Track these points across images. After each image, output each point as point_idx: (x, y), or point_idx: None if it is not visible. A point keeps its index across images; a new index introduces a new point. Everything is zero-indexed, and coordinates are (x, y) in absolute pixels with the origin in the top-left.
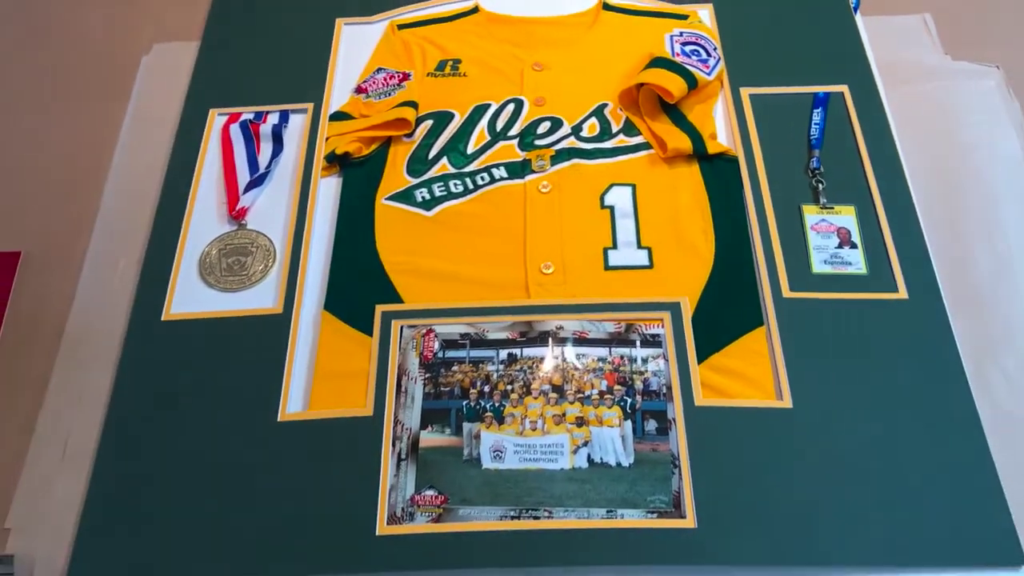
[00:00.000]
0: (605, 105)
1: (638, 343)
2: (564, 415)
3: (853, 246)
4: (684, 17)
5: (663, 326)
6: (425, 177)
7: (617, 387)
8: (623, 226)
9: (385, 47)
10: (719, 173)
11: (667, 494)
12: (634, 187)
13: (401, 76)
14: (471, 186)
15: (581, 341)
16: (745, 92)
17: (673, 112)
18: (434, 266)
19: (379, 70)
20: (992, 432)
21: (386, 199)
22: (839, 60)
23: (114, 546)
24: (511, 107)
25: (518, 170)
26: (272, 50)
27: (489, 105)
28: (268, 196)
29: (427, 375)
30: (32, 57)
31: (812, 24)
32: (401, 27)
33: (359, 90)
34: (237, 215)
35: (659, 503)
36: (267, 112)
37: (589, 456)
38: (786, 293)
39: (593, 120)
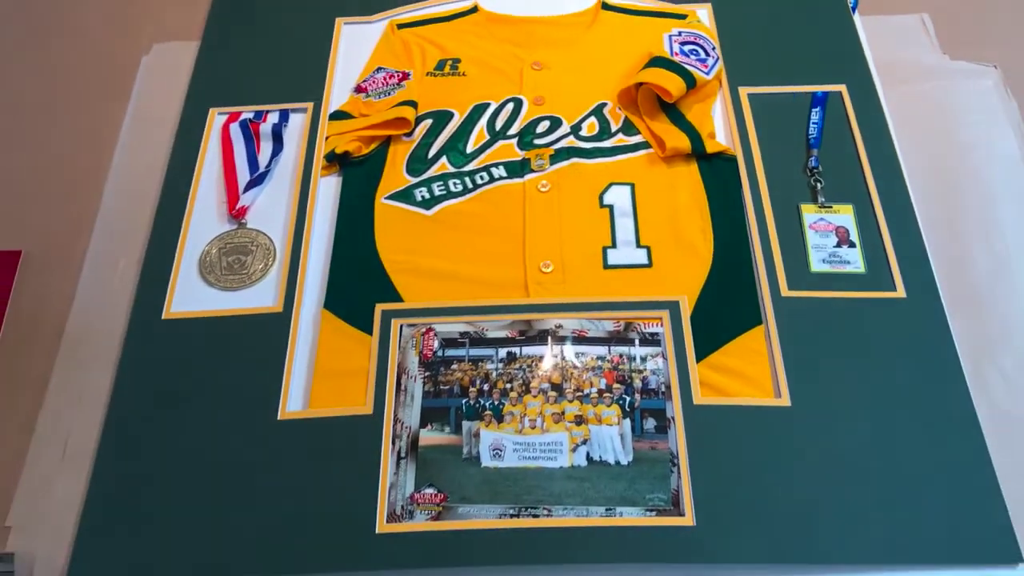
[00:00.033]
0: (604, 104)
1: (637, 342)
2: (563, 413)
3: (851, 245)
4: (683, 17)
5: (662, 325)
6: (425, 176)
7: (616, 385)
8: (622, 225)
9: (385, 46)
10: (718, 172)
11: (666, 492)
12: (633, 186)
13: (401, 75)
14: (470, 185)
15: (580, 340)
16: (744, 91)
17: (672, 111)
18: (434, 265)
19: (379, 69)
20: (990, 431)
21: (386, 198)
22: (837, 60)
23: (114, 544)
24: (510, 106)
25: (517, 169)
26: (272, 49)
27: (488, 104)
28: (268, 195)
29: (427, 373)
30: (32, 57)
31: (810, 24)
32: (401, 26)
33: (359, 89)
34: (237, 214)
35: (658, 501)
36: (267, 111)
37: (588, 454)
38: (784, 292)
39: (592, 119)
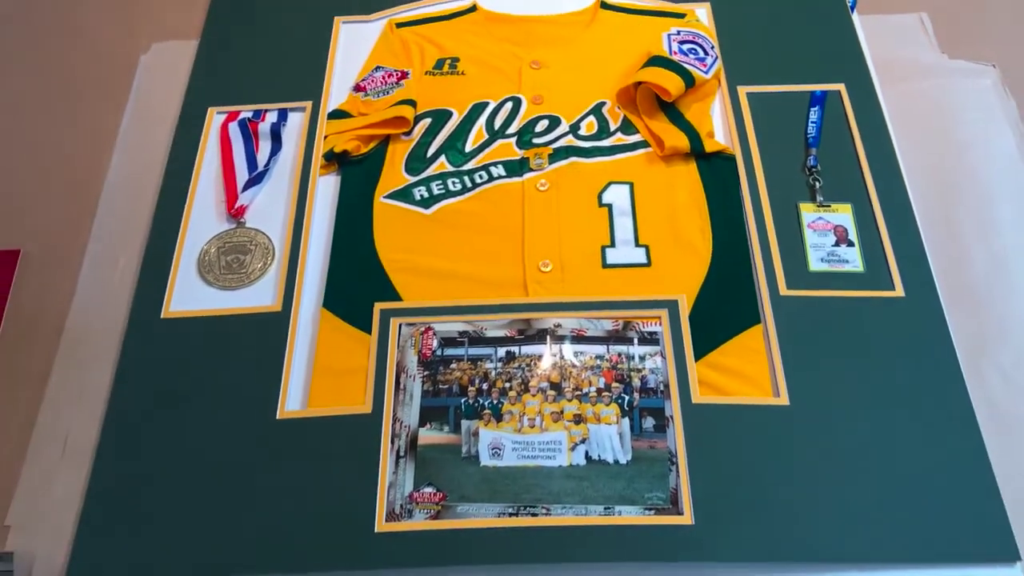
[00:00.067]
0: (603, 103)
1: (636, 341)
2: (562, 412)
3: (850, 244)
4: (681, 16)
5: (661, 324)
6: (424, 175)
7: (615, 384)
8: (621, 224)
9: (383, 45)
10: (716, 171)
11: (664, 491)
12: (632, 185)
13: (399, 74)
14: (469, 184)
15: (579, 339)
16: (742, 91)
17: (671, 111)
18: (432, 264)
19: (377, 68)
20: (987, 429)
21: (385, 197)
22: (836, 59)
23: (113, 542)
24: (509, 105)
25: (516, 168)
26: (271, 48)
27: (487, 103)
28: (267, 194)
29: (426, 373)
30: (31, 56)
31: (809, 23)
32: (399, 25)
33: (357, 88)
34: (236, 213)
35: (656, 500)
36: (266, 110)
37: (587, 453)
38: (783, 291)
39: (591, 118)
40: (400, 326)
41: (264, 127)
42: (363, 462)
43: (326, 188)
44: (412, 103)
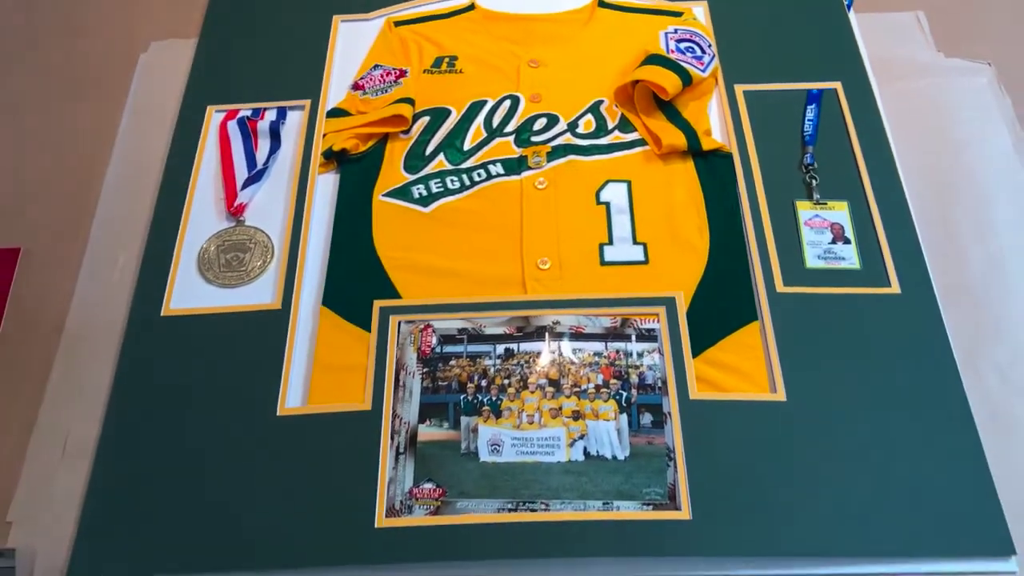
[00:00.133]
0: (601, 102)
1: (634, 338)
2: (561, 409)
3: (846, 241)
4: (679, 14)
5: (658, 321)
6: (422, 173)
7: (613, 381)
8: (619, 222)
9: (382, 44)
10: (714, 169)
11: (662, 486)
12: (630, 183)
13: (398, 73)
14: (468, 182)
15: (577, 336)
16: (739, 89)
17: (668, 109)
18: (431, 262)
19: (376, 67)
20: (983, 424)
21: (383, 195)
22: (832, 57)
23: (114, 538)
24: (507, 104)
25: (514, 166)
26: (269, 47)
27: (485, 102)
28: (266, 192)
29: (425, 370)
30: (31, 55)
31: (806, 21)
32: (398, 24)
33: (356, 87)
34: (235, 211)
35: (655, 495)
36: (264, 109)
37: (585, 449)
38: (780, 288)
39: (589, 117)
40: (399, 323)
41: (263, 125)
42: (363, 458)
43: (325, 186)
44: (410, 101)
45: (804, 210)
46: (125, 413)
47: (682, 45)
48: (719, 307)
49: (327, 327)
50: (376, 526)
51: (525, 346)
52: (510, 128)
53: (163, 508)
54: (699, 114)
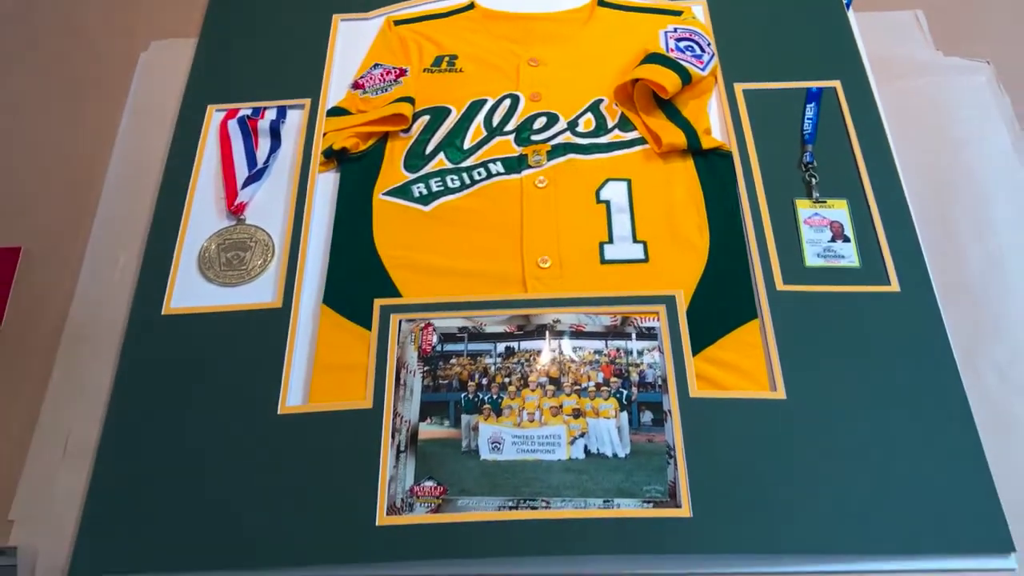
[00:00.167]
0: (601, 101)
1: (634, 336)
2: (561, 407)
3: (846, 240)
4: (678, 13)
5: (658, 319)
6: (422, 172)
7: (613, 379)
8: (619, 220)
9: (382, 43)
10: (713, 168)
11: (663, 484)
12: (629, 182)
13: (398, 72)
14: (468, 181)
15: (578, 334)
16: (739, 87)
17: (668, 107)
18: (432, 261)
19: (376, 66)
20: (983, 422)
21: (383, 194)
22: (832, 56)
23: (115, 536)
24: (507, 103)
25: (514, 165)
26: (269, 46)
27: (485, 101)
28: (266, 191)
29: (425, 368)
30: (31, 54)
31: (805, 20)
32: (398, 23)
33: (356, 86)
34: (236, 210)
35: (655, 493)
36: (265, 108)
37: (586, 447)
38: (780, 286)
39: (589, 115)
40: (400, 322)
41: (263, 124)
42: (364, 457)
43: (325, 185)
44: (410, 100)
45: (804, 208)
46: (126, 412)
47: (682, 44)
48: (719, 305)
49: (328, 326)
50: (377, 524)
51: (526, 344)
52: (510, 127)
53: (164, 506)
54: (699, 113)
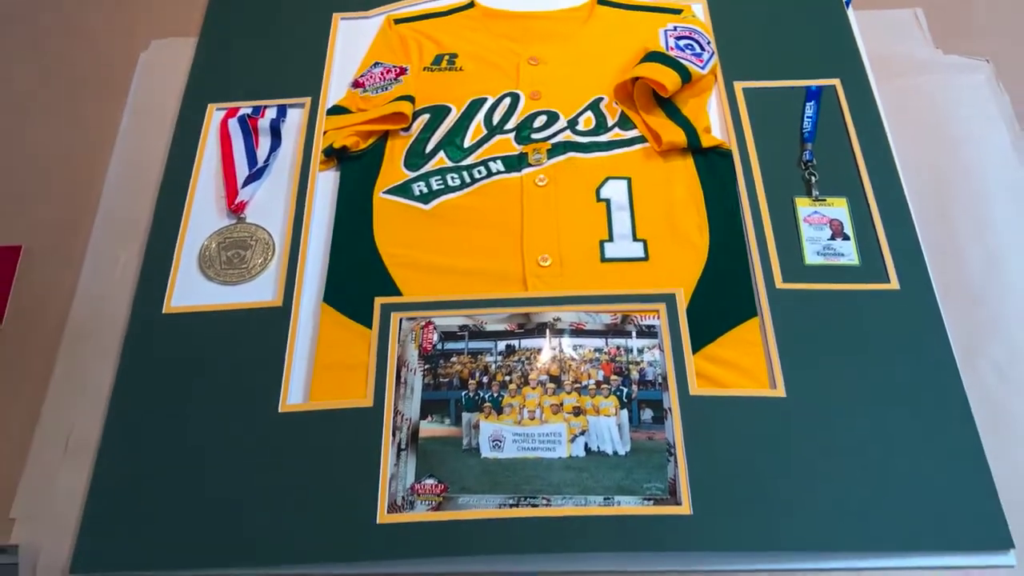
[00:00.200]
0: (601, 99)
1: (634, 334)
2: (562, 405)
3: (845, 238)
4: (678, 12)
5: (659, 317)
6: (423, 171)
7: (614, 377)
8: (619, 219)
9: (382, 42)
10: (713, 166)
11: (663, 481)
12: (629, 180)
13: (398, 70)
14: (468, 180)
15: (578, 332)
16: (738, 86)
17: (668, 106)
18: (432, 259)
19: (376, 64)
20: (982, 420)
21: (384, 193)
22: (831, 54)
23: (116, 535)
24: (507, 101)
25: (515, 164)
26: (270, 45)
27: (485, 99)
28: (267, 190)
29: (426, 366)
30: (31, 54)
31: (804, 19)
32: (398, 21)
33: (356, 84)
34: (236, 209)
35: (655, 490)
36: (265, 107)
37: (586, 445)
38: (779, 284)
39: (589, 114)
40: (400, 320)
41: (264, 123)
42: (365, 455)
43: (326, 184)
44: (410, 99)
45: (803, 206)
46: (127, 410)
47: (681, 42)
48: (719, 303)
49: (328, 324)
50: (378, 522)
51: (526, 342)
52: (510, 125)
53: (165, 504)
54: (699, 111)
